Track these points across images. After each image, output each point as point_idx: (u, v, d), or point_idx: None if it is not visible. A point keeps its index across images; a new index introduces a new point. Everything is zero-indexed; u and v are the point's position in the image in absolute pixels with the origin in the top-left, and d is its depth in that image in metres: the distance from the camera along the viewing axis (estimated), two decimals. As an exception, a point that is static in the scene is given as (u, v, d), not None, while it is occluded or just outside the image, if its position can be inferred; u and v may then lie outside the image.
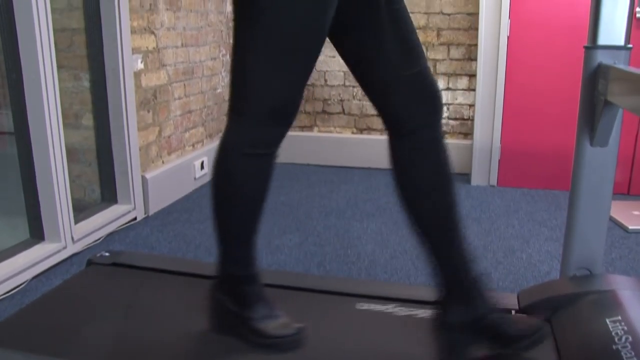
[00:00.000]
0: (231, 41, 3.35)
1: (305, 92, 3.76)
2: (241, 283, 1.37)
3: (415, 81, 1.30)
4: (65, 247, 2.32)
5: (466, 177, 3.52)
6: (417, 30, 3.45)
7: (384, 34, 1.28)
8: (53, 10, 2.26)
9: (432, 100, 1.32)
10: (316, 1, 1.15)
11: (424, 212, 1.35)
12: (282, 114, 1.23)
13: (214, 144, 3.52)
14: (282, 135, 1.27)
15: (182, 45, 3.09)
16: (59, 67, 2.38)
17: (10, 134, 2.28)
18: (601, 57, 1.45)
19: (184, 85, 3.16)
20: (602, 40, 1.45)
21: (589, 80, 1.48)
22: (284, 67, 1.19)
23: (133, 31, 2.66)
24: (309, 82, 3.72)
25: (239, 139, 1.25)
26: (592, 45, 1.47)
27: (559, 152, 3.29)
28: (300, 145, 3.84)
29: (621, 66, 1.37)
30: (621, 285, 1.46)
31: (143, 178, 2.81)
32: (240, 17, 1.20)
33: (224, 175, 1.30)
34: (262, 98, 1.21)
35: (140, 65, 2.74)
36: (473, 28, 3.46)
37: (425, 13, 3.50)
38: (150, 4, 2.78)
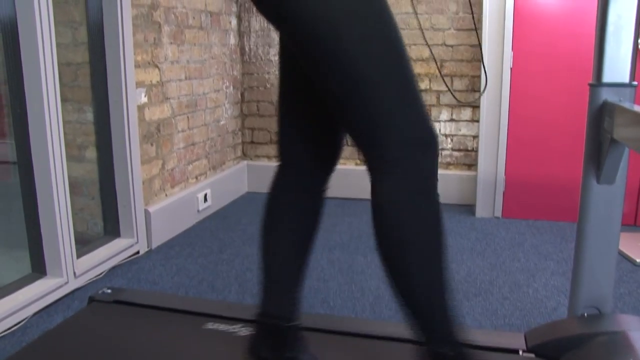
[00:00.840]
0: (234, 73, 3.36)
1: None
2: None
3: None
4: (67, 282, 2.30)
5: (470, 208, 3.50)
6: (421, 62, 3.48)
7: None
8: (58, 45, 2.27)
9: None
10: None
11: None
12: (431, 139, 1.14)
13: (217, 176, 3.52)
14: (436, 163, 1.16)
15: (185, 78, 3.10)
16: (64, 100, 2.38)
17: (15, 164, 2.28)
18: (606, 95, 1.44)
19: (188, 117, 3.16)
20: (607, 77, 1.44)
21: (594, 118, 1.47)
22: (407, 88, 1.12)
23: (137, 65, 2.67)
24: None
25: (429, 177, 1.14)
26: (597, 82, 1.46)
27: (564, 183, 3.28)
28: (303, 176, 3.82)
29: (627, 104, 1.36)
30: (632, 326, 1.43)
31: (146, 212, 2.79)
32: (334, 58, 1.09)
33: (411, 223, 1.15)
34: (404, 128, 1.11)
35: (144, 99, 2.75)
36: (476, 59, 3.47)
37: (428, 45, 3.52)
38: (155, 38, 2.80)
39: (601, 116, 1.45)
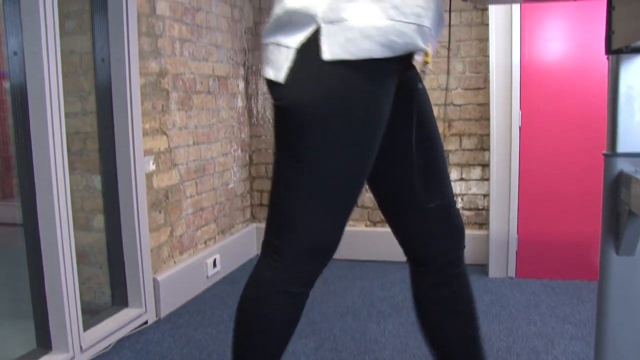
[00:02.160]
0: (242, 135, 3.37)
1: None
2: None
3: (439, 215, 1.30)
4: (73, 358, 2.24)
5: (483, 268, 3.44)
6: (428, 122, 3.47)
7: (412, 164, 1.29)
8: (67, 114, 2.28)
9: (456, 235, 1.31)
10: (363, 142, 1.17)
11: (446, 346, 1.30)
12: (323, 253, 1.23)
13: (226, 240, 3.48)
14: (319, 273, 1.25)
15: (194, 143, 3.10)
16: (72, 169, 2.38)
17: (21, 226, 2.25)
18: (622, 165, 1.41)
19: (196, 183, 3.15)
20: (622, 147, 1.42)
21: (610, 188, 1.44)
22: (329, 208, 1.20)
23: (145, 133, 2.68)
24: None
25: (275, 277, 1.24)
26: (612, 153, 1.43)
27: (577, 241, 3.22)
28: (313, 238, 3.78)
29: (644, 176, 1.33)
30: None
31: (154, 280, 2.75)
32: (283, 154, 1.21)
33: (254, 311, 1.27)
34: (304, 238, 1.21)
35: (152, 167, 2.74)
36: (484, 118, 3.46)
37: (436, 104, 3.52)
38: (163, 106, 2.81)
39: (617, 187, 1.42)
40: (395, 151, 1.33)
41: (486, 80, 3.40)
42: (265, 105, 3.81)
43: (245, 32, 3.77)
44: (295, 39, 1.16)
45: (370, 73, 1.18)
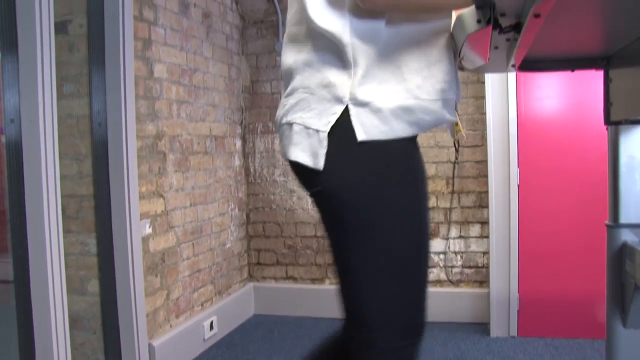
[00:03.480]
0: (239, 194, 3.34)
1: (316, 244, 3.72)
2: None
3: None
4: None
5: (484, 327, 3.38)
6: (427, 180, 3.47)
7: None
8: (63, 177, 2.27)
9: None
10: (415, 213, 1.17)
11: None
12: (416, 331, 1.19)
13: (223, 301, 3.43)
14: (417, 353, 1.21)
15: (190, 205, 3.08)
16: (67, 232, 2.35)
17: (12, 282, 2.21)
18: (625, 236, 1.39)
19: (193, 244, 3.11)
20: (624, 218, 1.40)
21: (614, 260, 1.41)
22: (405, 283, 1.17)
23: (142, 197, 2.66)
24: (319, 234, 3.69)
25: None
26: (614, 224, 1.41)
27: (579, 299, 3.18)
28: (311, 298, 3.73)
29: (648, 248, 1.31)
30: None
31: (150, 346, 2.69)
32: (343, 244, 1.18)
33: None
34: (392, 322, 1.17)
35: (149, 230, 2.71)
36: (482, 175, 3.46)
37: (434, 162, 3.52)
38: (160, 168, 2.80)
39: (621, 258, 1.39)
40: None
41: (483, 137, 3.40)
42: (262, 163, 3.80)
43: (242, 91, 3.79)
44: (325, 122, 1.14)
45: (404, 148, 1.18)
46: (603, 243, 1.48)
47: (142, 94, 2.67)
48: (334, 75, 1.15)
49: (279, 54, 3.65)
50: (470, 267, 3.56)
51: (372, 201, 1.13)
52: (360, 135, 1.13)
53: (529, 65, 1.28)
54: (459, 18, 0.88)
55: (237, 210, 3.68)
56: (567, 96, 3.13)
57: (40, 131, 2.09)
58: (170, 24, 2.91)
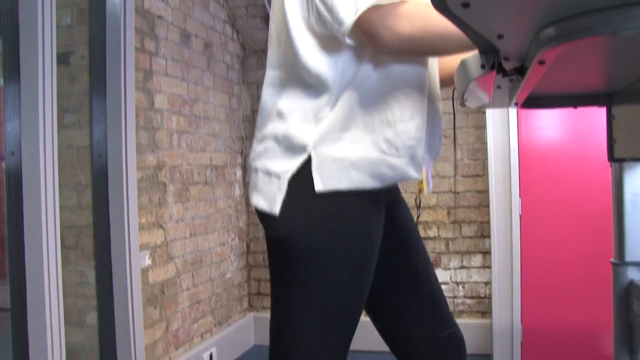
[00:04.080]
0: (240, 224, 3.32)
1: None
2: None
3: (448, 342, 1.29)
4: None
5: (488, 359, 3.34)
6: (428, 210, 3.45)
7: (417, 296, 1.30)
8: (62, 208, 2.25)
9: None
10: (360, 269, 1.17)
11: None
12: None
13: (223, 332, 3.39)
14: None
15: (190, 235, 3.06)
16: (65, 263, 2.33)
17: (9, 310, 2.18)
18: (632, 275, 1.37)
19: (193, 275, 3.09)
20: (630, 256, 1.38)
21: (621, 299, 1.39)
22: (331, 334, 1.17)
23: (141, 228, 2.64)
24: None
25: None
26: (620, 262, 1.39)
27: (584, 330, 3.14)
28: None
29: (655, 287, 1.29)
30: None
31: (148, 379, 2.66)
32: (281, 286, 1.20)
33: None
34: None
35: (148, 261, 2.69)
36: (484, 205, 3.44)
37: (435, 192, 3.51)
38: (160, 199, 2.78)
39: (628, 297, 1.37)
40: (395, 278, 1.33)
41: (484, 167, 3.40)
42: (263, 193, 3.78)
43: (242, 120, 3.79)
44: (286, 168, 1.16)
45: (361, 201, 1.18)
46: (607, 273, 1.46)
47: (142, 125, 2.67)
48: (303, 125, 1.16)
49: (280, 84, 3.65)
50: (472, 297, 3.53)
51: (318, 251, 1.15)
52: (318, 186, 1.13)
53: (531, 102, 1.28)
54: (462, 63, 0.88)
55: (237, 240, 3.66)
56: (569, 125, 3.13)
57: (41, 162, 2.08)
58: (171, 55, 2.92)
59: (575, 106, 1.38)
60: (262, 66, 3.81)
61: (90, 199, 2.58)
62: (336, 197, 1.14)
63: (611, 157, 1.39)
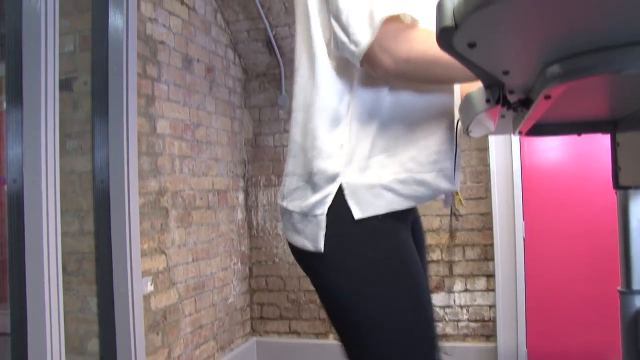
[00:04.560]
0: (242, 248, 3.30)
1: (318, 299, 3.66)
2: None
3: None
4: None
5: (493, 384, 3.31)
6: (431, 232, 3.44)
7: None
8: (64, 234, 2.24)
9: None
10: (412, 281, 1.17)
11: None
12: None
13: (225, 357, 3.36)
14: None
15: (193, 260, 3.05)
16: (67, 289, 2.31)
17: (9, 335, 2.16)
18: (639, 303, 1.36)
19: (195, 300, 3.07)
20: (637, 284, 1.36)
21: (628, 328, 1.37)
22: (420, 343, 1.16)
23: (143, 254, 2.63)
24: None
25: None
26: (627, 290, 1.38)
27: (589, 354, 3.11)
28: (315, 353, 3.66)
29: (664, 316, 1.27)
30: None
31: (150, 407, 2.63)
32: (349, 323, 1.17)
33: None
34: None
35: (150, 288, 2.68)
36: (487, 228, 3.42)
37: (438, 215, 3.49)
38: (162, 224, 2.77)
39: (636, 326, 1.35)
40: None
41: (487, 189, 3.38)
42: (265, 217, 3.78)
43: (245, 144, 3.79)
44: (321, 204, 1.15)
45: (398, 221, 1.18)
46: (612, 297, 1.44)
47: (144, 151, 2.67)
48: (328, 157, 1.15)
49: (282, 107, 3.66)
50: (476, 321, 3.50)
51: (371, 278, 1.13)
52: (357, 214, 1.12)
53: (535, 130, 1.27)
54: (467, 97, 0.87)
55: (239, 264, 3.64)
56: (572, 147, 3.13)
57: (43, 189, 2.07)
58: (173, 80, 2.93)
59: (579, 133, 1.38)
60: (264, 90, 3.82)
61: (92, 225, 2.57)
62: (375, 221, 1.13)
63: (616, 185, 1.38)
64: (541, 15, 0.47)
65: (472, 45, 0.55)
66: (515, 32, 0.52)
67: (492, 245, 3.37)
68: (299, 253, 1.22)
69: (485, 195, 3.43)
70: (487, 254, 3.44)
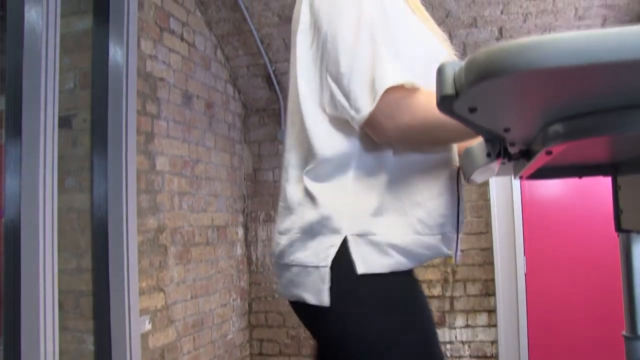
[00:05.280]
0: (241, 284, 3.26)
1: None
2: None
3: None
4: None
5: (496, 422, 3.26)
6: (432, 268, 3.41)
7: None
8: (61, 271, 2.22)
9: None
10: (424, 332, 1.16)
11: None
12: None
13: (224, 396, 3.32)
14: None
15: (191, 297, 3.02)
16: (63, 328, 2.29)
17: None
18: (644, 349, 1.33)
19: (194, 338, 3.03)
20: (642, 330, 1.34)
21: (634, 373, 1.35)
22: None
23: (142, 292, 2.60)
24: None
25: None
26: (632, 335, 1.35)
27: (593, 391, 3.07)
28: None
29: (669, 363, 1.25)
30: None
31: None
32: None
33: None
34: None
35: (148, 326, 2.65)
36: (488, 263, 3.40)
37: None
38: (160, 262, 2.75)
39: (642, 372, 1.33)
40: None
41: (488, 224, 3.37)
42: (264, 252, 3.76)
43: (244, 179, 3.79)
44: (324, 256, 1.11)
45: (405, 282, 1.16)
46: (614, 335, 1.42)
47: (143, 188, 2.66)
48: (330, 208, 1.12)
49: (282, 142, 3.67)
50: (478, 357, 3.46)
51: (378, 335, 1.10)
52: (360, 269, 1.09)
53: (536, 174, 1.26)
54: (467, 151, 0.86)
55: (239, 300, 3.61)
56: (573, 182, 3.12)
57: (40, 226, 2.06)
58: (173, 116, 2.93)
59: (580, 176, 1.37)
60: (264, 124, 3.83)
61: (90, 262, 2.56)
62: (378, 278, 1.10)
63: (618, 228, 1.37)
64: (541, 86, 0.46)
65: (473, 110, 0.54)
66: (515, 99, 0.52)
67: (493, 280, 3.34)
68: (298, 306, 1.17)
69: (485, 230, 3.41)
70: (489, 289, 3.42)
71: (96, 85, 2.58)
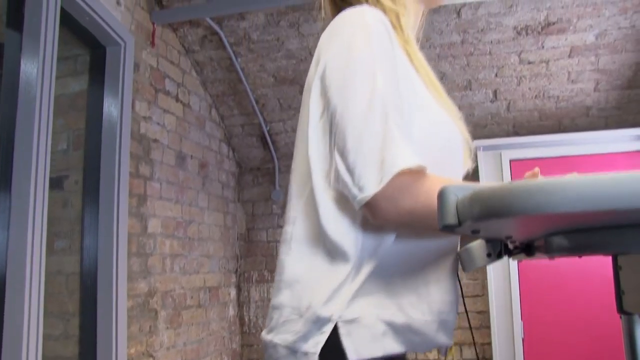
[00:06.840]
0: (233, 345, 3.18)
1: None
2: None
3: None
4: None
5: None
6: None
7: None
8: (47, 337, 2.17)
9: None
10: None
11: None
12: None
13: None
14: None
15: (181, 363, 2.95)
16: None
17: None
18: None
19: (183, 405, 2.95)
20: (648, 416, 1.29)
21: None
22: None
23: (130, 359, 2.53)
24: None
25: None
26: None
27: None
28: None
29: None
30: None
31: None
32: None
33: None
34: None
35: (136, 395, 2.57)
36: (484, 326, 3.34)
37: (434, 312, 3.42)
38: (150, 327, 2.69)
39: None
40: None
41: (484, 287, 3.33)
42: (257, 313, 3.69)
43: (237, 239, 3.75)
44: (314, 342, 1.07)
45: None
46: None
47: (134, 251, 2.62)
48: (324, 294, 1.08)
49: (275, 202, 3.64)
50: None
51: None
52: (351, 356, 1.05)
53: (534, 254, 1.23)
54: (467, 250, 0.84)
55: (230, 362, 3.53)
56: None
57: (26, 289, 2.01)
58: (166, 178, 2.91)
59: (579, 255, 1.34)
60: (258, 184, 3.81)
61: (77, 328, 2.49)
62: None
63: (620, 310, 1.33)
64: (547, 219, 0.44)
65: (475, 232, 0.52)
66: (516, 225, 0.49)
67: (489, 344, 3.28)
68: None
69: (482, 293, 3.37)
70: (485, 353, 3.35)
71: (89, 147, 2.56)
